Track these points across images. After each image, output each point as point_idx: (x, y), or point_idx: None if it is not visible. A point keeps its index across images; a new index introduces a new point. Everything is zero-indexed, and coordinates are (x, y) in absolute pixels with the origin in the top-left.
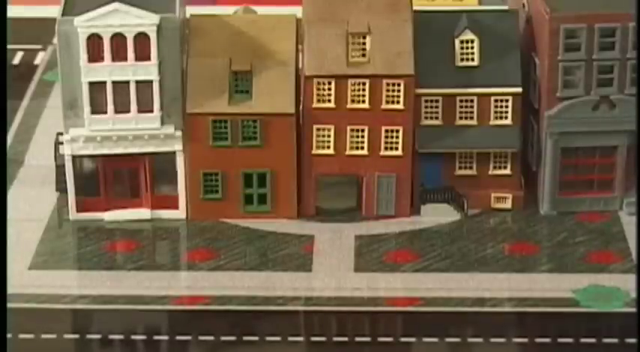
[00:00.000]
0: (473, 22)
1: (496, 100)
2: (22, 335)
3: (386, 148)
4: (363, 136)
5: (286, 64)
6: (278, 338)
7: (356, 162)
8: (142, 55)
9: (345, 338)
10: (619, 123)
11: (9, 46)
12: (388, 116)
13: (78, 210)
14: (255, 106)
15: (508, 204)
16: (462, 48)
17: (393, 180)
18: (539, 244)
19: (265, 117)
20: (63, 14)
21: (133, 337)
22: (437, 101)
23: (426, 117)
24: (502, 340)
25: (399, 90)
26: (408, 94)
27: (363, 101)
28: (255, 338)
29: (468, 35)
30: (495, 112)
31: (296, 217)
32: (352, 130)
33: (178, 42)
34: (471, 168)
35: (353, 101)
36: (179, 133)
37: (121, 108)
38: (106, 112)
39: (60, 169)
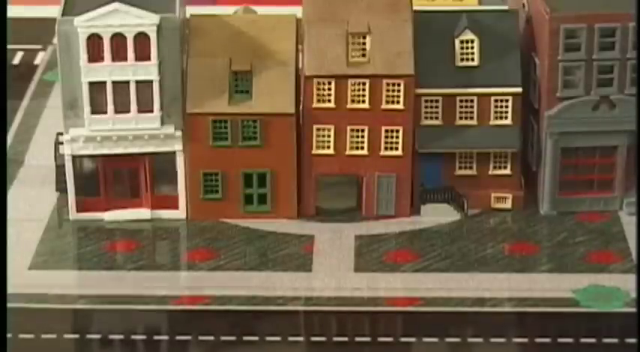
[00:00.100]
0: (473, 22)
1: (496, 100)
2: (22, 335)
3: (386, 148)
4: (363, 136)
5: (286, 64)
6: (278, 338)
7: (356, 162)
8: (142, 55)
9: (345, 338)
10: (619, 123)
11: (9, 46)
12: (388, 116)
13: (78, 210)
14: (255, 106)
15: (508, 204)
16: (462, 48)
17: (393, 180)
18: (539, 244)
19: (265, 117)
20: (63, 14)
21: (133, 337)
22: (437, 101)
23: (426, 117)
24: (502, 340)
25: (399, 90)
26: (408, 94)
27: (363, 101)
28: (255, 338)
29: (468, 35)
30: (495, 112)
31: (296, 217)
32: (352, 130)
33: (178, 42)
34: (471, 168)
35: (353, 101)
36: (179, 133)
37: (121, 108)
38: (106, 112)
39: (60, 169)
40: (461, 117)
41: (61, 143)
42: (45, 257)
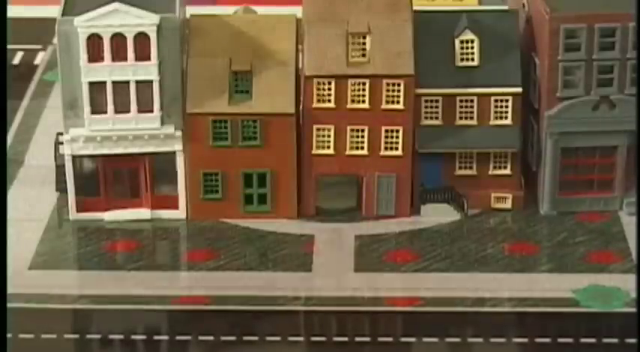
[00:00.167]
0: (473, 22)
1: (496, 100)
2: (22, 335)
3: (386, 148)
4: (363, 136)
5: (286, 64)
6: (278, 338)
7: (356, 162)
8: (142, 55)
9: (345, 338)
10: (619, 123)
11: (9, 46)
12: (388, 116)
13: (78, 210)
14: (255, 106)
15: (508, 204)
16: (462, 48)
17: (393, 180)
18: (539, 244)
19: (265, 117)
20: (63, 14)
21: (133, 337)
22: (437, 101)
23: (426, 117)
24: (502, 340)
25: (399, 90)
26: (408, 94)
27: (363, 101)
28: (255, 338)
29: (468, 35)
30: (495, 112)
31: (296, 217)
32: (352, 130)
33: (178, 42)
34: (471, 168)
35: (353, 101)
36: (179, 133)
37: (121, 108)
38: (106, 112)
39: (60, 169)
40: (461, 117)
41: (61, 143)
42: (45, 257)
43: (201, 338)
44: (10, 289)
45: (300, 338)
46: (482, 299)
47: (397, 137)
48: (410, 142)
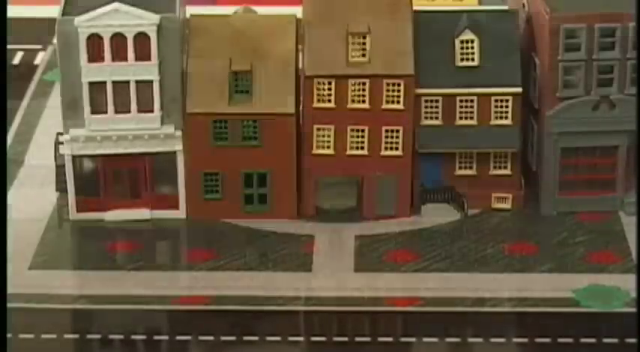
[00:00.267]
0: (473, 22)
1: (496, 100)
2: (22, 335)
3: (386, 148)
4: (363, 136)
5: (286, 64)
6: (278, 338)
7: (356, 162)
8: (142, 55)
9: (345, 338)
10: (619, 123)
11: (9, 46)
12: (388, 116)
13: (78, 210)
14: (255, 106)
15: (508, 204)
16: (462, 48)
17: (393, 180)
18: (539, 244)
19: (265, 117)
20: (63, 14)
21: (133, 337)
22: (437, 101)
23: (426, 117)
24: (502, 340)
25: (399, 90)
26: (408, 94)
27: (363, 101)
28: (255, 338)
29: (468, 35)
30: (495, 112)
31: (296, 217)
32: (352, 130)
33: (178, 42)
34: (471, 168)
35: (353, 101)
36: (179, 133)
37: (121, 108)
38: (106, 112)
39: (60, 169)
40: (461, 117)
41: (61, 143)
42: (45, 257)
43: (201, 338)
44: (10, 289)
45: (300, 338)
46: (482, 299)
47: (397, 137)
48: (410, 142)
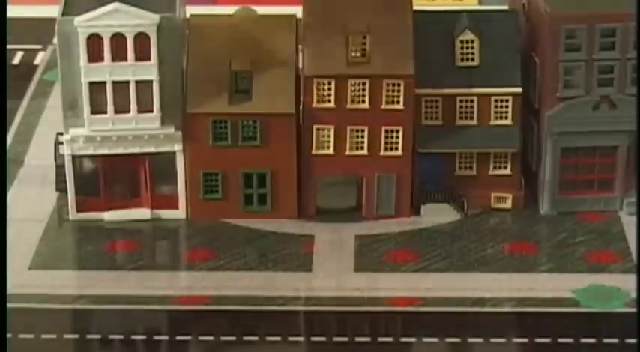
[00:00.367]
0: (473, 22)
1: (496, 100)
2: (22, 335)
3: (386, 148)
4: (363, 136)
5: (286, 64)
6: (278, 338)
7: (356, 162)
8: (142, 55)
9: (345, 338)
10: (619, 123)
11: (9, 46)
12: (388, 116)
13: (78, 210)
14: (255, 106)
15: (508, 204)
16: (462, 48)
17: (393, 180)
18: (539, 244)
19: (265, 117)
20: (63, 14)
21: (133, 337)
22: (437, 101)
23: (426, 117)
24: (502, 340)
25: (399, 91)
26: (408, 94)
27: (363, 101)
28: (255, 338)
29: (468, 35)
30: (495, 112)
31: (296, 217)
32: (352, 130)
33: (178, 42)
34: (471, 168)
35: (353, 101)
36: (179, 133)
37: (121, 108)
38: (106, 112)
39: (60, 169)
40: (461, 117)
41: (61, 143)
42: (45, 257)
43: (201, 338)
44: (10, 289)
45: (300, 338)
46: (482, 299)
47: (397, 137)
48: (410, 142)
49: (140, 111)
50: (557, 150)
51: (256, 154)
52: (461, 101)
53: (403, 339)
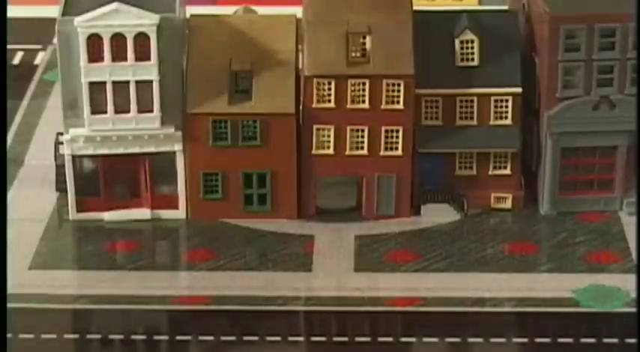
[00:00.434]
0: (473, 22)
1: (496, 100)
2: (22, 335)
3: (386, 148)
4: (363, 136)
5: (286, 64)
6: (278, 338)
7: (356, 163)
8: (142, 55)
9: (345, 338)
10: (619, 123)
11: (9, 46)
12: (388, 116)
13: (78, 210)
14: (255, 106)
15: (508, 204)
16: (462, 48)
17: (393, 180)
18: (539, 244)
19: (265, 117)
20: (63, 14)
21: (133, 337)
22: (437, 101)
23: (426, 117)
24: (502, 340)
25: (399, 90)
26: (408, 94)
27: (363, 101)
28: (255, 338)
29: (468, 35)
30: (495, 112)
31: (296, 217)
32: (352, 130)
33: (178, 42)
34: (471, 168)
35: (353, 101)
36: (179, 133)
37: (121, 108)
38: (106, 112)
39: (60, 169)
40: (461, 117)
41: (61, 143)
42: (45, 257)
43: (201, 338)
44: (10, 289)
45: (300, 338)
46: (482, 299)
47: (397, 137)
48: (410, 142)
49: (140, 111)
50: (557, 150)
51: (256, 154)
52: (461, 101)
53: (403, 339)
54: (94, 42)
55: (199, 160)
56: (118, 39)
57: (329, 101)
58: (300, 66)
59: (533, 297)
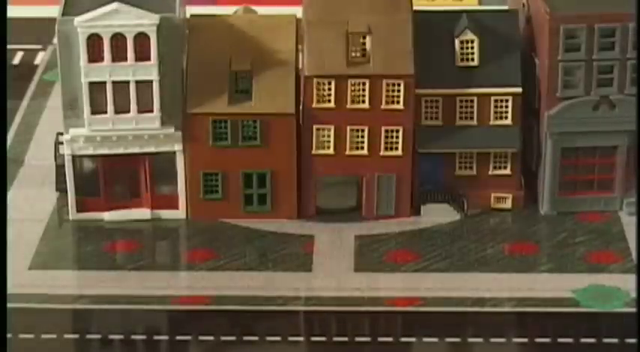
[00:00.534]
0: (473, 22)
1: (496, 100)
2: (22, 335)
3: (386, 148)
4: (363, 136)
5: (286, 64)
6: (278, 338)
7: (356, 162)
8: (142, 55)
9: (345, 338)
10: (619, 123)
11: (9, 46)
12: (388, 116)
13: (78, 210)
14: (255, 106)
15: (508, 204)
16: (462, 48)
17: (393, 180)
18: (539, 244)
19: (265, 117)
20: (63, 14)
21: (133, 337)
22: (437, 101)
23: (426, 117)
24: (502, 340)
25: (399, 91)
26: (408, 94)
27: (363, 101)
28: (255, 338)
29: (468, 35)
30: (495, 112)
31: (296, 217)
32: (352, 130)
33: (178, 42)
34: (471, 168)
35: (353, 101)
36: (179, 133)
37: (121, 108)
38: (106, 112)
39: (60, 169)
40: (461, 117)
41: (61, 143)
42: (45, 257)
43: (201, 338)
44: (10, 289)
45: (300, 338)
46: (482, 299)
47: (397, 137)
48: (410, 142)
49: (140, 111)
50: (557, 150)
51: (256, 154)
52: (461, 101)
53: (403, 339)
54: (94, 42)
55: (199, 160)
56: (118, 39)
57: (329, 101)
58: (300, 66)
59: (533, 297)
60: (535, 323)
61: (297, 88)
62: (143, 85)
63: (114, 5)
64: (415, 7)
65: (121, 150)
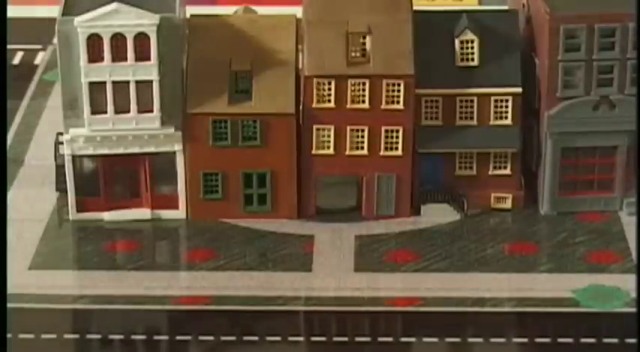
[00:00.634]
0: (473, 22)
1: (496, 100)
2: (22, 335)
3: (386, 148)
4: (363, 136)
5: (286, 64)
6: (278, 338)
7: (356, 162)
8: (142, 55)
9: (345, 338)
10: (619, 123)
11: (9, 46)
12: (388, 116)
13: (78, 210)
14: (255, 106)
15: (508, 204)
16: (462, 48)
17: (393, 180)
18: (539, 244)
19: (265, 117)
20: (63, 14)
21: (133, 337)
22: (437, 101)
23: (426, 117)
24: (502, 340)
25: (399, 91)
26: (408, 94)
27: (363, 101)
28: (255, 338)
29: (468, 35)
30: (495, 112)
31: (296, 217)
32: (352, 130)
33: (178, 42)
34: (471, 168)
35: (353, 101)
36: (179, 133)
37: (121, 108)
38: (106, 112)
39: (60, 169)
40: (461, 117)
41: (61, 143)
42: (45, 257)
43: (201, 338)
44: (10, 289)
45: (300, 338)
46: (482, 299)
47: (397, 137)
48: (410, 142)
49: (140, 111)
50: (557, 150)
51: (256, 154)
52: (461, 101)
53: (403, 339)
54: (94, 42)
55: (199, 160)
56: (118, 39)
57: (329, 101)
58: (300, 66)
59: (533, 297)
60: (535, 323)
61: (297, 88)
62: (143, 85)
63: (114, 5)
64: (415, 7)
65: (121, 150)
